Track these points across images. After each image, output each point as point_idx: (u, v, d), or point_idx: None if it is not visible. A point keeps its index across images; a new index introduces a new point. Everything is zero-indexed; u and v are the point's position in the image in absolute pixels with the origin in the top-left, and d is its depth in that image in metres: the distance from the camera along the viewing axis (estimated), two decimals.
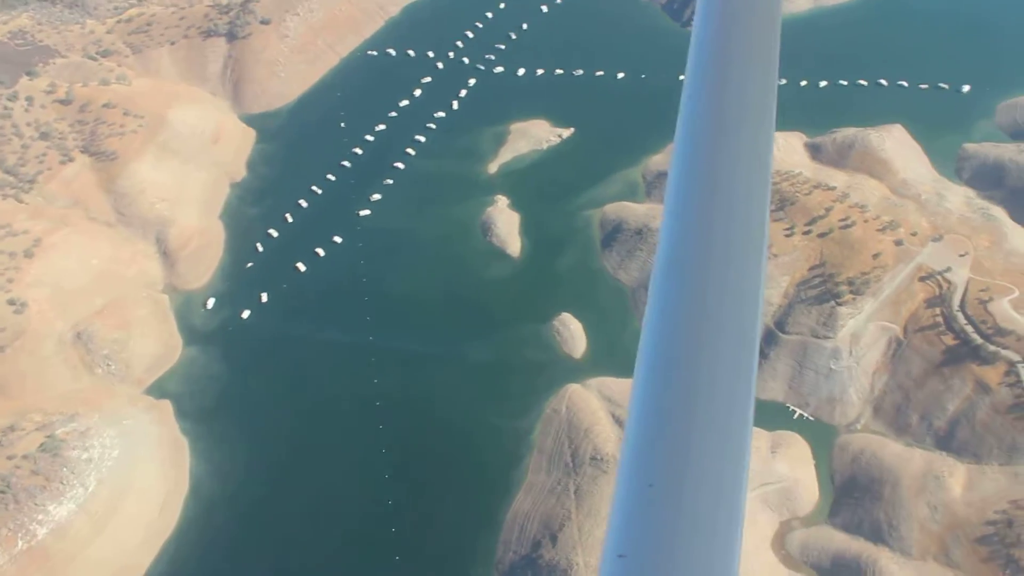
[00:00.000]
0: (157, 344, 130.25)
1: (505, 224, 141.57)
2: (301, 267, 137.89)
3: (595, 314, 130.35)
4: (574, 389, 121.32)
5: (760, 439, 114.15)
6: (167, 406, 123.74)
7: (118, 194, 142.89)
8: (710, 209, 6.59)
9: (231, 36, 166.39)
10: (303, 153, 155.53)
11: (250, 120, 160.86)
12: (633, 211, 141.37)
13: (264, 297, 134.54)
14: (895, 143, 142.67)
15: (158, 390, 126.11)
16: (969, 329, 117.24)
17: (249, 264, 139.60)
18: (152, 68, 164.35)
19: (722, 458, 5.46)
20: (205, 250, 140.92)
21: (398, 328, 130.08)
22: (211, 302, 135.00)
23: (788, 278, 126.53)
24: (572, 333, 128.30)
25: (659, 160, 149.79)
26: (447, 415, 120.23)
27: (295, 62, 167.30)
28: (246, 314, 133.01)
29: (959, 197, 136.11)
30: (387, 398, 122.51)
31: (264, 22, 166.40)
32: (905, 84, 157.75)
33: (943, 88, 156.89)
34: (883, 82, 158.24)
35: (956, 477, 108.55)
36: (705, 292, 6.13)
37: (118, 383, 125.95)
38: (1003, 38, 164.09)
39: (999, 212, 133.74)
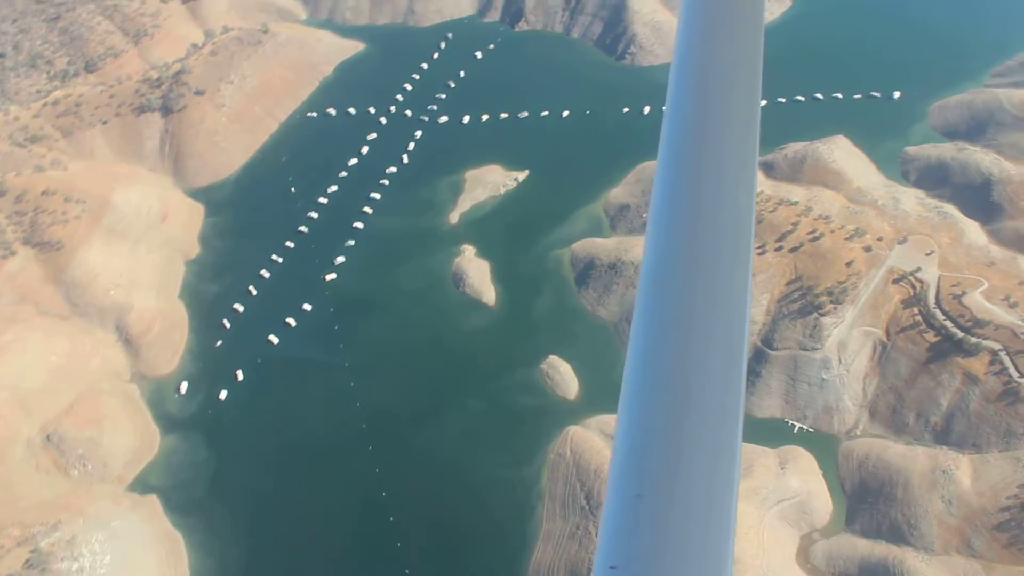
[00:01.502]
0: (133, 437, 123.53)
1: (476, 273, 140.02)
2: (274, 339, 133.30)
3: (582, 353, 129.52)
4: (575, 431, 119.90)
5: (767, 457, 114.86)
6: (154, 501, 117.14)
7: (69, 284, 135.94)
8: (696, 215, 6.50)
9: (165, 110, 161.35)
10: (256, 223, 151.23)
11: (196, 194, 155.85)
12: (603, 246, 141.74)
13: (240, 375, 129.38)
14: (843, 153, 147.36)
15: (142, 485, 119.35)
16: (949, 324, 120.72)
17: (218, 342, 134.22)
18: (86, 150, 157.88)
19: (711, 467, 5.41)
20: (169, 333, 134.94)
21: (385, 390, 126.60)
22: (184, 386, 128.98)
23: (768, 295, 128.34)
24: (562, 375, 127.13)
25: (618, 193, 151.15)
26: (450, 472, 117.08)
27: (234, 131, 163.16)
28: (223, 395, 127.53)
29: (912, 199, 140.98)
30: (385, 464, 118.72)
31: (198, 93, 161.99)
32: (840, 96, 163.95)
33: (876, 96, 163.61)
34: (819, 96, 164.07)
35: (963, 469, 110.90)
36: (691, 304, 6.05)
37: (98, 483, 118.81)
38: (923, 43, 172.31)
39: (951, 209, 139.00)
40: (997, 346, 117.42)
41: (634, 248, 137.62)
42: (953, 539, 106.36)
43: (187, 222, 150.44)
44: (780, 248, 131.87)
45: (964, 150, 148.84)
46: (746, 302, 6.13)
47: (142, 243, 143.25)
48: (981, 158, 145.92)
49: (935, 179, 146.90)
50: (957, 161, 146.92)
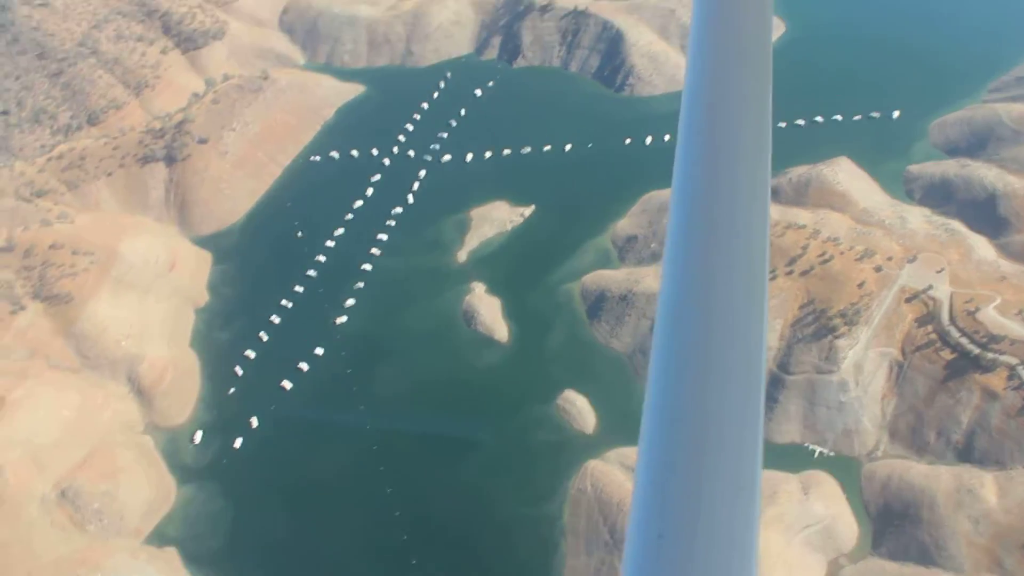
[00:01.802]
0: (149, 489, 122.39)
1: (487, 310, 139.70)
2: (287, 385, 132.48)
3: (597, 386, 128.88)
4: (595, 465, 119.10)
5: (790, 483, 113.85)
6: (172, 554, 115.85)
7: (79, 337, 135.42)
8: (712, 244, 6.52)
9: (169, 159, 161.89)
10: (264, 268, 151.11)
11: (202, 242, 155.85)
12: (613, 278, 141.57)
13: (255, 422, 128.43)
14: (847, 175, 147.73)
15: (159, 538, 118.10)
16: (964, 341, 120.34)
17: (231, 390, 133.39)
18: (91, 202, 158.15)
19: (732, 503, 5.40)
20: (182, 382, 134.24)
21: (401, 431, 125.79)
22: (199, 436, 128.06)
23: (781, 320, 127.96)
24: (579, 409, 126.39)
25: (625, 224, 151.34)
26: (471, 512, 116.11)
27: (239, 177, 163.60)
28: (238, 442, 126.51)
29: (918, 217, 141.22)
30: (405, 505, 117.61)
31: (202, 141, 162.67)
32: (840, 118, 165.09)
33: (875, 117, 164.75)
34: (819, 119, 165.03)
35: (988, 487, 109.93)
36: (709, 334, 6.06)
37: (114, 537, 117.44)
38: (917, 63, 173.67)
39: (958, 225, 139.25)
40: (1015, 361, 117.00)
41: (644, 279, 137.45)
42: (983, 559, 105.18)
43: (195, 270, 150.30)
44: (791, 272, 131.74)
45: (967, 166, 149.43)
46: (763, 330, 6.13)
47: (151, 293, 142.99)
48: (984, 173, 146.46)
49: (940, 196, 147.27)
50: (960, 177, 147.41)
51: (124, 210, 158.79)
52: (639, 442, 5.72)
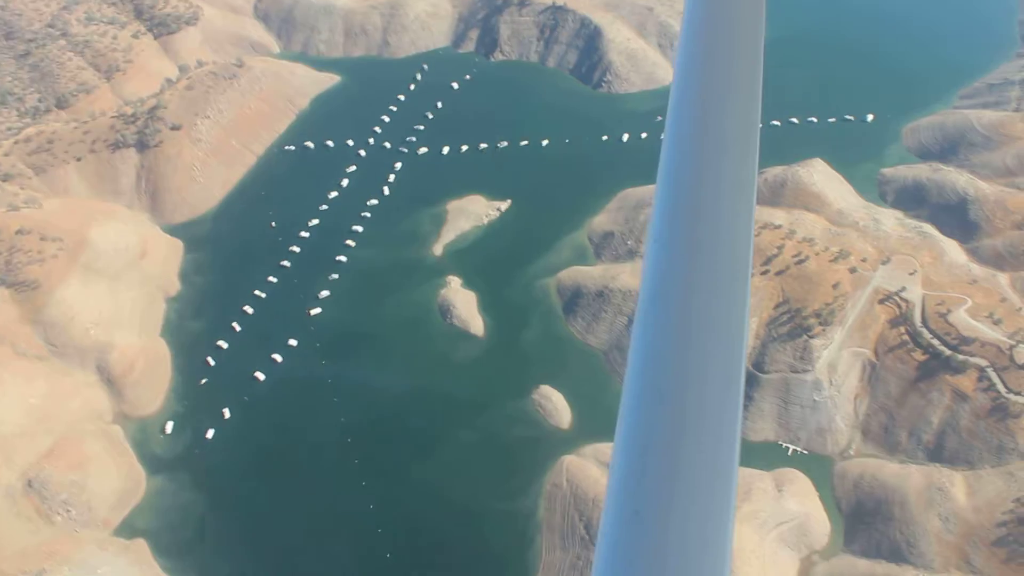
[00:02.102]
0: (118, 480, 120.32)
1: (463, 304, 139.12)
2: (260, 376, 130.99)
3: (573, 382, 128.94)
4: (570, 460, 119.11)
5: (764, 480, 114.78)
6: (142, 545, 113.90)
7: (47, 324, 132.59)
8: (696, 238, 6.50)
9: (141, 145, 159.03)
10: (238, 258, 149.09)
11: (174, 230, 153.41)
12: (589, 274, 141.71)
13: (227, 413, 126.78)
14: (821, 176, 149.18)
15: (128, 529, 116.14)
16: (936, 342, 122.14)
17: (203, 380, 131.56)
18: (60, 187, 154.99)
19: (709, 484, 5.44)
20: (152, 371, 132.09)
21: (376, 424, 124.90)
22: (169, 426, 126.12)
23: (756, 319, 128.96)
24: (555, 404, 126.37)
25: (601, 221, 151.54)
26: (446, 506, 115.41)
27: (212, 165, 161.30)
28: (210, 433, 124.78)
29: (891, 220, 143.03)
30: (380, 500, 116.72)
31: (175, 128, 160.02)
32: (815, 120, 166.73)
33: (849, 120, 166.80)
34: (794, 120, 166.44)
35: (957, 486, 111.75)
36: (690, 323, 6.08)
37: (82, 528, 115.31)
38: (892, 67, 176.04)
39: (930, 229, 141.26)
40: (984, 363, 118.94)
41: (621, 275, 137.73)
42: (952, 556, 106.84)
43: (166, 259, 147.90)
44: (766, 272, 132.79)
45: (939, 170, 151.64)
46: (744, 323, 6.12)
47: (121, 281, 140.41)
48: (956, 178, 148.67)
49: (912, 199, 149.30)
50: (933, 181, 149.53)
51: (94, 196, 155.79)
52: (617, 423, 5.71)
